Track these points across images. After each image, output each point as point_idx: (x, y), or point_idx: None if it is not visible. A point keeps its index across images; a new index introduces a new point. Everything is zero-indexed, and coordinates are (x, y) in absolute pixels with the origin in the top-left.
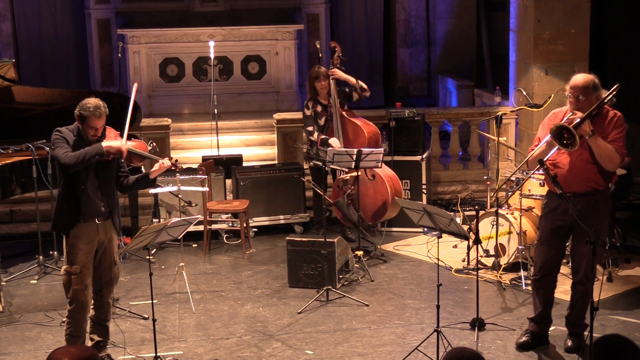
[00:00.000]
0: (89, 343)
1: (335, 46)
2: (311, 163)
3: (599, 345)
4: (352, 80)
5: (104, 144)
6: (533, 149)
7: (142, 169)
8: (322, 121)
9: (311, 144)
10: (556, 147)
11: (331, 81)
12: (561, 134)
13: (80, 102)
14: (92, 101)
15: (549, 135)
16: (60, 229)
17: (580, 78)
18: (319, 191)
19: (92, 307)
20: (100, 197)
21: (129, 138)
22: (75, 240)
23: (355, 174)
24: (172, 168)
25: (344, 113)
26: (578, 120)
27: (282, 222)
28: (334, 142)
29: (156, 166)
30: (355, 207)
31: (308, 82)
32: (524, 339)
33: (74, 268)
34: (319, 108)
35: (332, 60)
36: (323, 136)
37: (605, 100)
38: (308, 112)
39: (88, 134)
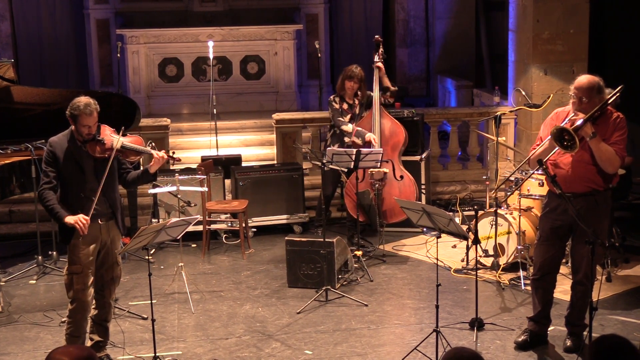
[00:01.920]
0: (88, 343)
1: (380, 41)
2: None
3: (596, 346)
4: (388, 82)
5: (67, 219)
6: (535, 148)
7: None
8: (347, 119)
9: (334, 137)
10: (557, 148)
11: (376, 72)
12: (562, 136)
13: (71, 102)
14: (82, 100)
15: (549, 137)
16: (68, 236)
17: (584, 79)
18: (343, 177)
19: (93, 306)
20: (101, 197)
21: (124, 135)
22: (77, 241)
23: (385, 170)
24: (169, 160)
25: (383, 108)
26: (579, 122)
27: (281, 222)
28: (371, 136)
29: (153, 160)
30: (378, 204)
31: (341, 77)
32: (523, 337)
33: (76, 268)
34: (345, 106)
35: (378, 54)
36: (358, 128)
37: (608, 102)
38: (336, 106)
39: (82, 132)
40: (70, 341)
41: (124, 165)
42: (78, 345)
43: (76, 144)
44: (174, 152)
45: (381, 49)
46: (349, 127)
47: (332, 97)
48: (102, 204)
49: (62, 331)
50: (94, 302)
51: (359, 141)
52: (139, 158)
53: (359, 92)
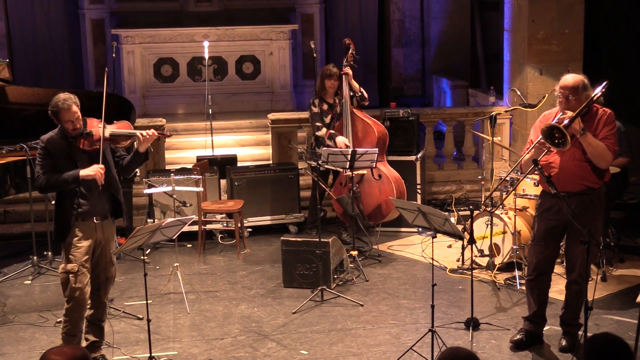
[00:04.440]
0: (83, 343)
1: (350, 43)
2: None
3: (590, 344)
4: (356, 86)
5: (82, 172)
6: (525, 152)
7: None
8: (327, 119)
9: (317, 141)
10: (547, 150)
11: (344, 78)
12: (552, 134)
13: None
14: (60, 96)
15: (541, 137)
16: (64, 235)
17: (570, 78)
18: (323, 187)
19: (88, 307)
20: (98, 194)
21: (110, 122)
22: (73, 239)
23: (362, 172)
24: (161, 137)
25: (355, 110)
26: (568, 120)
27: (276, 222)
28: (342, 140)
29: (141, 139)
30: (358, 205)
31: (319, 78)
32: (518, 336)
33: (72, 267)
34: (325, 106)
35: (346, 58)
36: (331, 131)
37: (595, 98)
38: (315, 109)
39: (67, 129)
40: (67, 340)
41: (117, 153)
42: (72, 346)
43: (68, 140)
44: (163, 127)
45: (351, 51)
46: (322, 132)
47: (312, 99)
48: (99, 200)
49: (57, 331)
50: (89, 302)
51: (332, 144)
52: (130, 142)
53: (338, 91)
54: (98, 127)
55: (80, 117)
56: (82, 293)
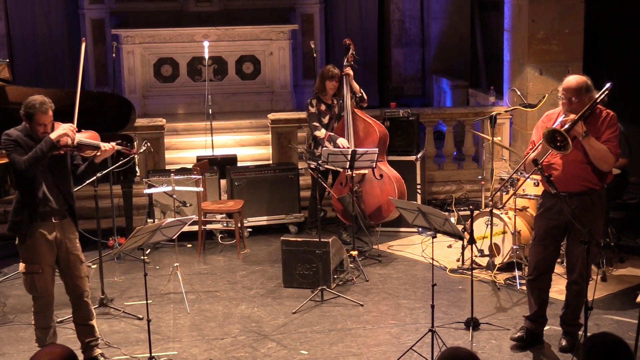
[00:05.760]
0: (79, 345)
1: (350, 44)
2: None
3: (588, 344)
4: (356, 87)
5: (52, 135)
6: (528, 152)
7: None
8: (325, 120)
9: (315, 141)
10: (550, 151)
11: (345, 79)
12: (554, 138)
13: (25, 101)
14: (37, 98)
15: (542, 140)
16: (19, 230)
17: (573, 80)
18: (325, 186)
19: (72, 309)
20: (57, 194)
21: (79, 130)
22: (33, 241)
23: (363, 171)
24: (122, 150)
25: (356, 110)
26: (569, 123)
27: (276, 222)
28: (342, 141)
29: (99, 152)
30: (360, 205)
31: (319, 78)
32: (519, 334)
33: (35, 267)
34: (323, 107)
35: (346, 58)
36: (331, 133)
37: (598, 101)
38: (312, 110)
39: (37, 131)
40: (42, 333)
41: (75, 161)
42: (61, 345)
43: (33, 139)
44: (127, 143)
45: (351, 52)
46: (321, 133)
47: (309, 100)
48: (57, 200)
49: (58, 332)
50: (71, 305)
51: (331, 146)
52: (95, 152)
53: (337, 92)
54: (60, 127)
55: (52, 121)
56: (46, 291)
